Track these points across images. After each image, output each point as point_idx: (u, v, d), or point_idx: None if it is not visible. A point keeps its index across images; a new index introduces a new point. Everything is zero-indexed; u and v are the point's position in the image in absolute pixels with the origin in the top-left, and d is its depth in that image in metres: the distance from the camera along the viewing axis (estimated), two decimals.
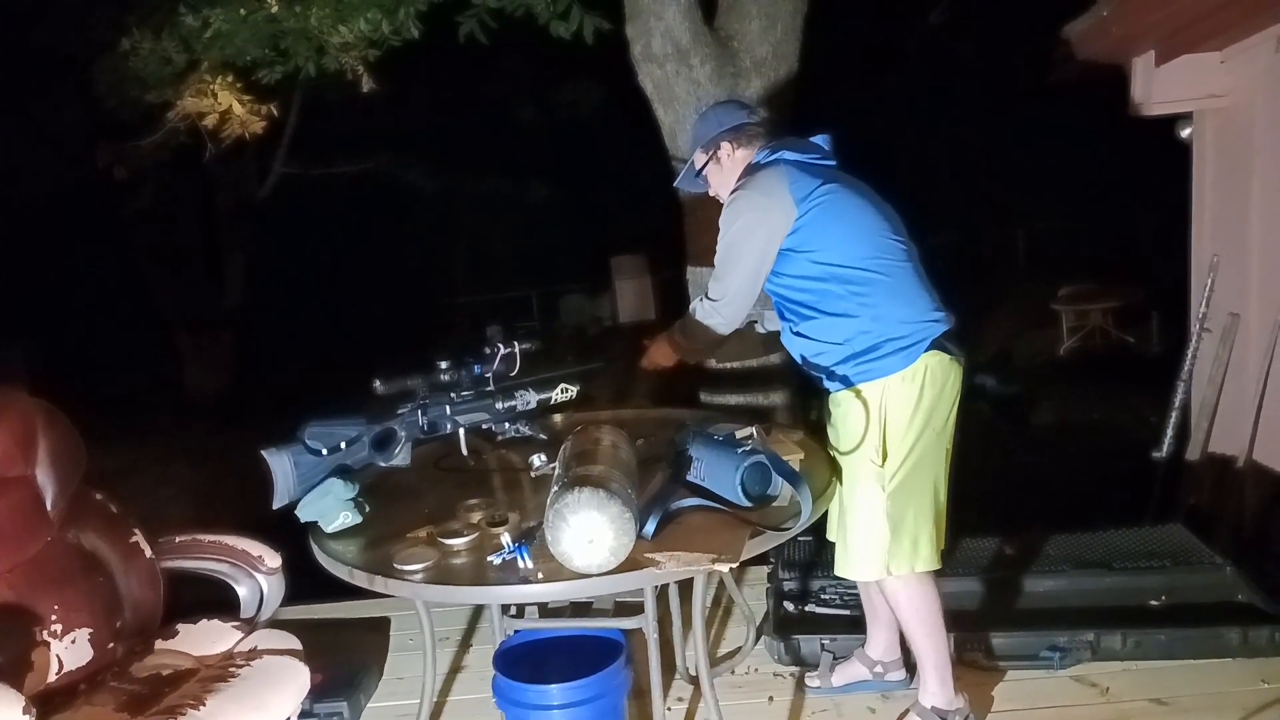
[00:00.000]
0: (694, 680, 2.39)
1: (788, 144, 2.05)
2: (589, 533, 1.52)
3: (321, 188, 9.73)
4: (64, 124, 7.05)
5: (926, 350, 1.91)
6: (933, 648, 2.05)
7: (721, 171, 2.11)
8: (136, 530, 2.06)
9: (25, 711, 1.53)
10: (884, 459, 1.94)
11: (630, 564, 1.56)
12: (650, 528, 1.65)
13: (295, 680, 1.87)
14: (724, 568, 1.58)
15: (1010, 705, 2.24)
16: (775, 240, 1.93)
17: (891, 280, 1.93)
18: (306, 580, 2.01)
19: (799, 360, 2.07)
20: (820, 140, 2.07)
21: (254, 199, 9.53)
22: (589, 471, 1.62)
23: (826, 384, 2.02)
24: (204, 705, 1.71)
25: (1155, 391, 3.96)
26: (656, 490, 1.81)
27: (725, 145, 2.08)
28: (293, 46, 3.63)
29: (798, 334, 2.02)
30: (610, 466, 1.68)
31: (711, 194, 2.17)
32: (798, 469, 1.84)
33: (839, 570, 2.07)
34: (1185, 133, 3.63)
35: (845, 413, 1.98)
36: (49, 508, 1.96)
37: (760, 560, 2.58)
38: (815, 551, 2.79)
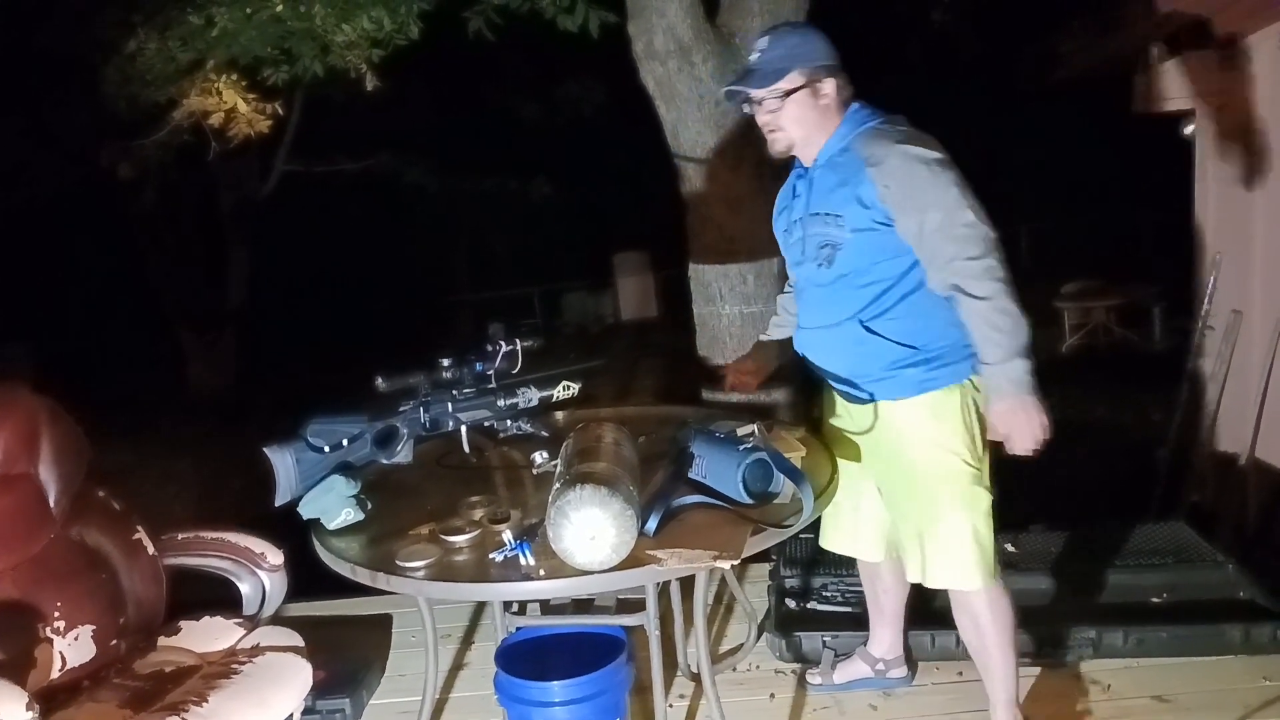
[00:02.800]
0: (695, 677, 2.39)
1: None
2: (591, 530, 1.53)
3: (324, 186, 9.74)
4: (68, 123, 7.06)
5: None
6: (1009, 670, 1.93)
7: (814, 108, 1.81)
8: (139, 527, 2.07)
9: (28, 708, 1.53)
10: (979, 460, 1.84)
11: (632, 561, 1.56)
12: (652, 525, 1.65)
13: (298, 677, 1.88)
14: (725, 565, 1.58)
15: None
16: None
17: None
18: (309, 577, 2.02)
19: (854, 357, 1.85)
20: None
21: (257, 197, 9.54)
22: (591, 469, 1.63)
23: (901, 383, 1.82)
24: (206, 702, 1.72)
25: (1158, 389, 3.96)
26: (658, 487, 1.81)
27: (832, 82, 1.80)
28: (297, 45, 3.64)
29: (878, 327, 1.79)
30: (612, 464, 1.68)
31: (762, 120, 1.85)
32: (799, 466, 1.84)
33: (929, 580, 1.91)
34: (1188, 130, 3.62)
35: (932, 414, 1.82)
36: (52, 505, 1.96)
37: (762, 557, 2.59)
38: (817, 548, 2.78)
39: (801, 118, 1.80)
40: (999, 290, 1.66)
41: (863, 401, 1.89)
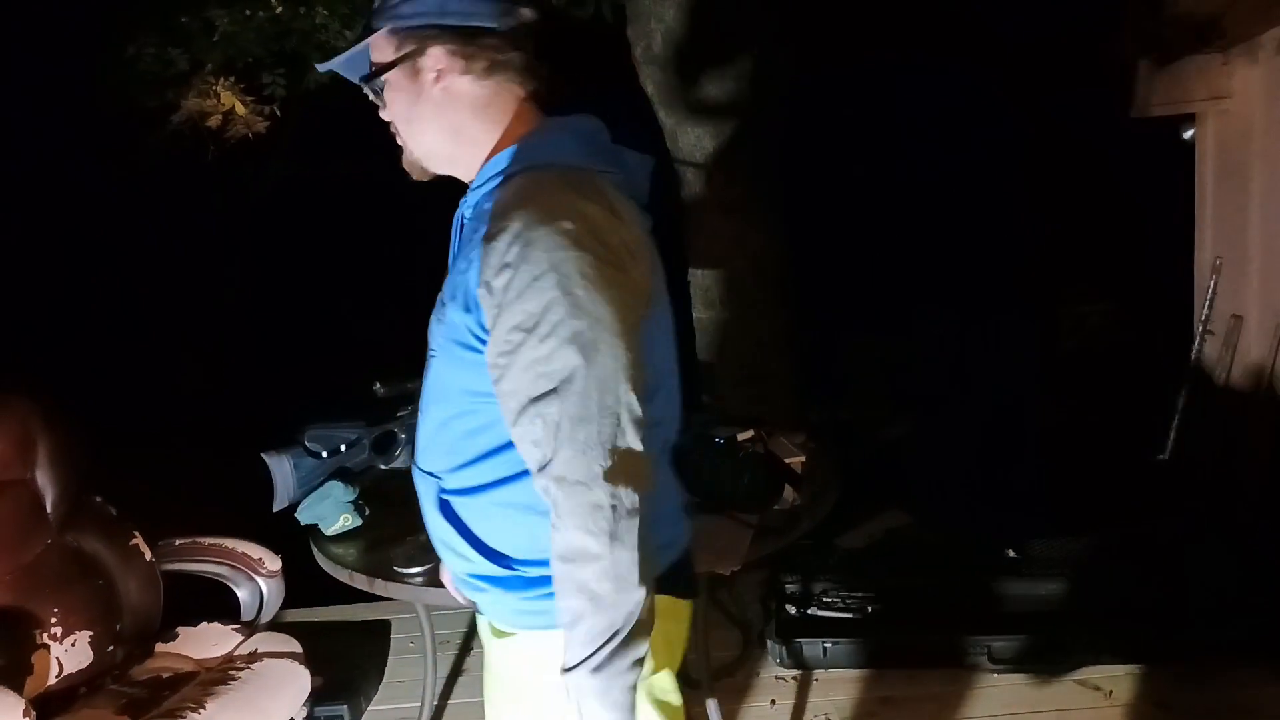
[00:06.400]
0: (695, 684, 2.38)
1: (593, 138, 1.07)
2: None
3: (322, 189, 9.74)
4: (63, 121, 7.05)
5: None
6: None
7: (417, 101, 1.06)
8: (136, 533, 2.07)
9: (25, 714, 1.53)
10: None
11: None
12: None
13: (296, 683, 1.87)
14: (725, 570, 1.57)
15: (1012, 708, 2.23)
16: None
17: None
18: (306, 583, 2.01)
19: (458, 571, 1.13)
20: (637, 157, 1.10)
21: (255, 201, 9.53)
22: None
23: (485, 610, 1.15)
24: (204, 709, 1.71)
25: (1157, 394, 3.95)
26: None
27: (441, 51, 1.03)
28: (299, 49, 3.63)
29: (457, 507, 1.10)
30: None
31: (388, 118, 1.10)
32: (800, 471, 1.83)
33: None
34: (1188, 134, 3.62)
35: (501, 661, 1.19)
36: (48, 511, 1.96)
37: (762, 563, 2.58)
38: (817, 554, 2.78)
39: (406, 118, 1.07)
40: (607, 544, 0.89)
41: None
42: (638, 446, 0.91)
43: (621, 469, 0.89)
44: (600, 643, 0.89)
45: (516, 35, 1.04)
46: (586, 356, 0.89)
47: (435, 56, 1.03)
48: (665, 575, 1.02)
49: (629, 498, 0.89)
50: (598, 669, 0.90)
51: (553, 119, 1.07)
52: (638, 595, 0.90)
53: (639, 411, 0.91)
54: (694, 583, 1.14)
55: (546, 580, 0.95)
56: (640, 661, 0.92)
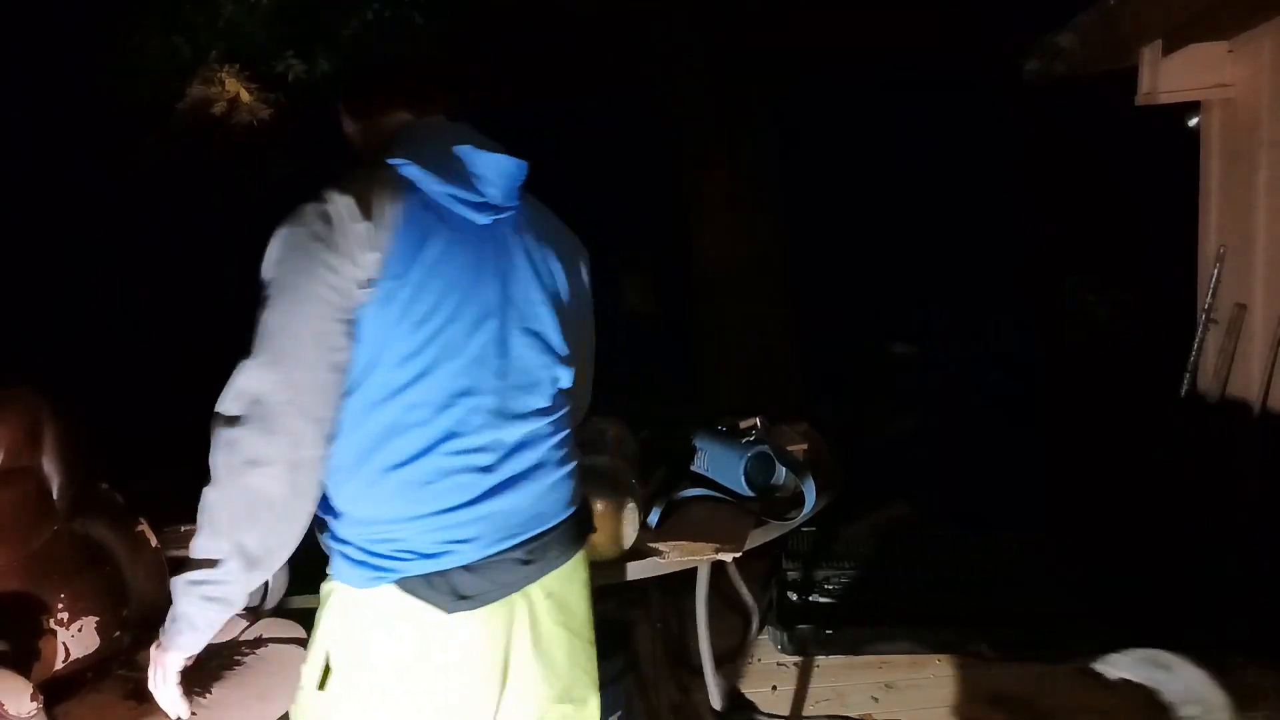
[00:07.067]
0: (697, 670, 2.39)
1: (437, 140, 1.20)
2: (594, 522, 1.53)
3: (324, 185, 9.72)
4: (63, 118, 7.04)
5: (400, 580, 1.12)
6: None
7: (353, 146, 1.32)
8: (142, 520, 2.07)
9: (32, 699, 1.54)
10: (320, 683, 1.24)
11: (634, 553, 1.57)
12: (654, 518, 1.65)
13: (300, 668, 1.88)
14: (727, 557, 1.58)
15: (1012, 695, 2.24)
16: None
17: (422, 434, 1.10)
18: (311, 569, 2.02)
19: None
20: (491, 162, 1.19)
21: (256, 201, 9.50)
22: (594, 462, 1.63)
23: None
24: (209, 693, 1.73)
25: (1161, 384, 3.95)
26: (661, 481, 1.82)
27: (341, 108, 1.30)
28: (304, 37, 3.63)
29: None
30: (615, 457, 1.69)
31: None
32: (802, 460, 1.84)
33: None
34: (1193, 122, 3.61)
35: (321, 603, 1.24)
36: (55, 498, 1.97)
37: (764, 550, 2.59)
38: (818, 542, 2.80)
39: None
40: (221, 479, 1.03)
41: None
42: (279, 408, 1.00)
43: (254, 420, 1.00)
44: (201, 558, 1.05)
45: (382, 75, 1.27)
46: (264, 315, 1.03)
47: (340, 112, 1.28)
48: (425, 578, 1.11)
49: (249, 447, 1.01)
50: (190, 582, 1.06)
51: (403, 131, 1.22)
52: (234, 537, 1.04)
53: (297, 375, 1.01)
54: (453, 598, 1.11)
55: (338, 539, 1.16)
56: (223, 602, 1.09)
